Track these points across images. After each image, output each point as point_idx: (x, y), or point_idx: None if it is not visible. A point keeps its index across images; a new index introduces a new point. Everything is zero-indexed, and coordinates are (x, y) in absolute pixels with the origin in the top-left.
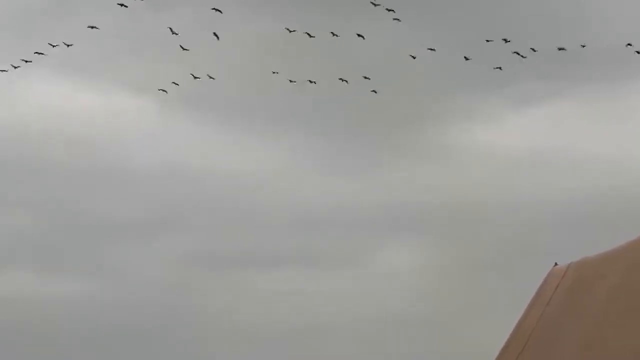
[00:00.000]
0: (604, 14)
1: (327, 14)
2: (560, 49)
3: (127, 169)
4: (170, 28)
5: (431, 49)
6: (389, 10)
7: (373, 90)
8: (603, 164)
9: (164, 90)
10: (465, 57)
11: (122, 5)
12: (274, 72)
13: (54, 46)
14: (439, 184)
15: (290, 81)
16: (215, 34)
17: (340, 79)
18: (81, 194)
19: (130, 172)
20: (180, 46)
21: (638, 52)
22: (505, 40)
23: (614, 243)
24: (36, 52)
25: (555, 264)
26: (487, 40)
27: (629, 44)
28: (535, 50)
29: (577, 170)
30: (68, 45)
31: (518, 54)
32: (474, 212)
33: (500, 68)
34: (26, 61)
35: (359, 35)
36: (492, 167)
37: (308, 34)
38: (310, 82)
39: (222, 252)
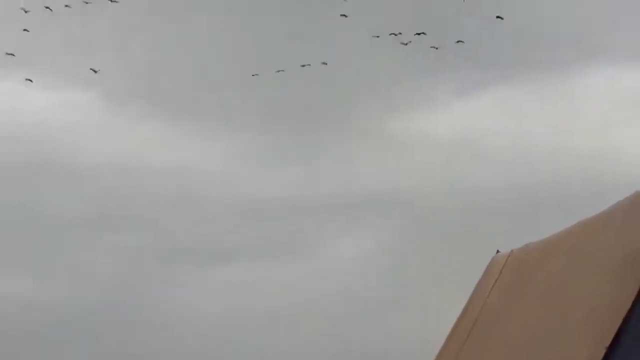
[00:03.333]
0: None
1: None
2: (498, 17)
3: (73, 165)
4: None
5: (376, 36)
6: None
7: (324, 62)
8: (548, 149)
9: (93, 70)
10: (402, 43)
11: (47, 7)
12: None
13: None
14: (384, 171)
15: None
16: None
17: (278, 70)
18: (25, 191)
19: (77, 167)
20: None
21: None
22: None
23: (556, 229)
24: None
25: (497, 251)
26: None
27: (498, 16)
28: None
29: (521, 156)
30: (7, 54)
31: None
32: (419, 199)
33: (436, 48)
34: None
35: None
36: (436, 154)
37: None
38: (253, 75)
39: (173, 247)
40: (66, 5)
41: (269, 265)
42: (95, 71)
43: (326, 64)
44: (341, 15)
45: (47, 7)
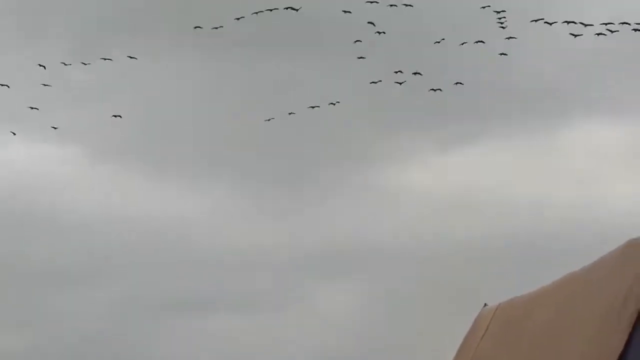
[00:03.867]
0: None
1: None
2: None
3: (55, 217)
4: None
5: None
6: None
7: (312, 106)
8: (535, 203)
9: (118, 116)
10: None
11: (41, 65)
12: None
13: None
14: (371, 225)
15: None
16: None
17: (267, 119)
18: (9, 244)
19: (59, 220)
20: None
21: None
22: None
23: (543, 282)
24: None
25: (485, 304)
26: (414, 73)
27: (502, 53)
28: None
29: (508, 209)
30: None
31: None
32: (406, 253)
33: (440, 90)
34: None
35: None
36: (424, 207)
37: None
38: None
39: (155, 298)
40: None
41: (250, 316)
42: (119, 116)
43: (337, 102)
44: (358, 57)
45: (40, 65)
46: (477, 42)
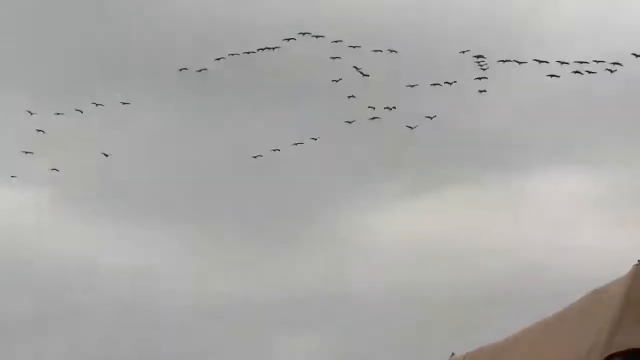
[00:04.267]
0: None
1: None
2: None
3: (20, 265)
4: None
5: (314, 138)
6: None
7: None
8: (494, 249)
9: (55, 170)
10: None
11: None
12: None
13: None
14: (329, 275)
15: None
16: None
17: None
18: None
19: (24, 268)
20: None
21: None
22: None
23: (510, 331)
24: None
25: (453, 353)
26: (373, 118)
27: (481, 90)
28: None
29: (468, 256)
30: None
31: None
32: (372, 301)
33: (411, 127)
34: None
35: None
36: (390, 254)
37: None
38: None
39: (120, 349)
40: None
41: None
42: (106, 155)
43: (316, 138)
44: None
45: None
46: (448, 82)
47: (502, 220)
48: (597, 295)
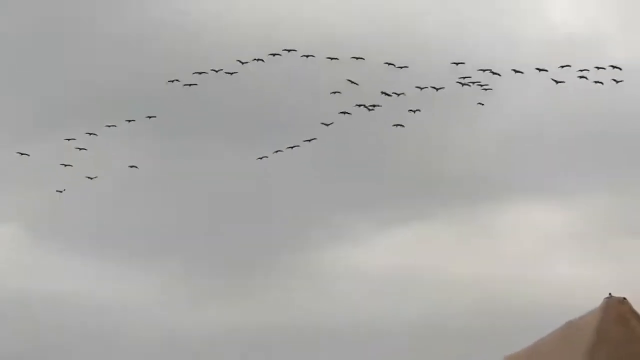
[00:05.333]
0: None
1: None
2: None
3: None
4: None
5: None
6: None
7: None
8: (471, 282)
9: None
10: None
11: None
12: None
13: None
14: (310, 307)
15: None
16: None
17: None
18: None
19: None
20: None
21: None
22: None
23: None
24: None
25: None
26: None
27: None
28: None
29: (445, 288)
30: None
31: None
32: (344, 332)
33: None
34: None
35: None
36: (361, 288)
37: None
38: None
39: None
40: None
41: None
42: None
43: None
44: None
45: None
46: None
47: (472, 254)
48: (571, 327)
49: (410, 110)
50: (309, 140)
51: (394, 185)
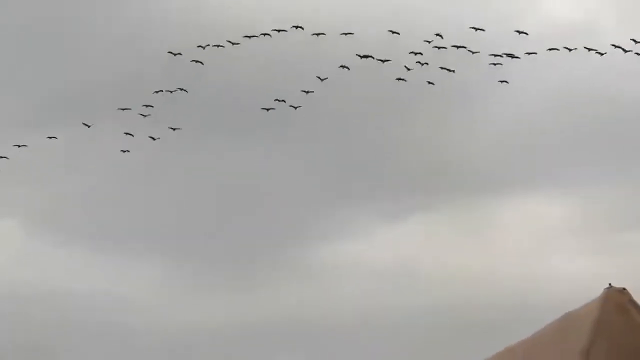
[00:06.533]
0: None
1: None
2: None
3: None
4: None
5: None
6: None
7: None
8: (472, 275)
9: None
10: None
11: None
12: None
13: None
14: (310, 301)
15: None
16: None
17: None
18: None
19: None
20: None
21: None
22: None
23: (484, 354)
24: None
25: None
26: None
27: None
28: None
29: (445, 281)
30: None
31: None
32: (345, 328)
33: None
34: None
35: None
36: (363, 281)
37: None
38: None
39: None
40: None
41: None
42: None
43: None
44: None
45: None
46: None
47: (476, 247)
48: (570, 317)
49: (444, 68)
50: (306, 92)
51: (394, 179)
